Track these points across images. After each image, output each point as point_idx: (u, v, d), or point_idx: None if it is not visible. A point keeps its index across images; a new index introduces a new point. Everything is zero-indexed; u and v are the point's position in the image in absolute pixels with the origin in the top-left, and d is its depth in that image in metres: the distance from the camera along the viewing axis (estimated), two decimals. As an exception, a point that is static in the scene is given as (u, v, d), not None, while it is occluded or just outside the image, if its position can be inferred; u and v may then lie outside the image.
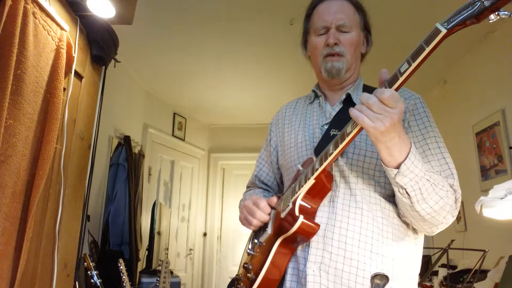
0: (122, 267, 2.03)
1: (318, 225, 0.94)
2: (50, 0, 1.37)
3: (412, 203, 0.88)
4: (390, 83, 0.79)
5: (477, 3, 0.68)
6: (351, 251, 0.93)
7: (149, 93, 4.13)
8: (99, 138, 1.89)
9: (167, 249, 3.80)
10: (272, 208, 1.08)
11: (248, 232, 1.20)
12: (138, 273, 3.13)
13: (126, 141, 3.38)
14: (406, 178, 0.84)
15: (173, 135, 4.50)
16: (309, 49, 1.19)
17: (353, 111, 0.80)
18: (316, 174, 0.92)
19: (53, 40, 1.36)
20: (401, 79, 0.76)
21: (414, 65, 0.74)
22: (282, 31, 2.90)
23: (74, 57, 1.49)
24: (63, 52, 1.39)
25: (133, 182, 3.22)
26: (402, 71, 0.76)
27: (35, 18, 1.24)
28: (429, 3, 2.50)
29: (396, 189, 0.89)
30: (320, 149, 0.99)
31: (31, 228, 1.21)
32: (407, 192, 0.87)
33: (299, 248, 0.99)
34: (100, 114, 1.83)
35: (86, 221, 1.92)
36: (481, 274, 2.30)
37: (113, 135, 3.31)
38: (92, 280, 1.83)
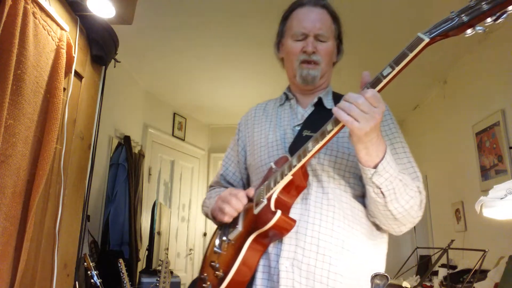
0: (122, 267, 2.04)
1: (295, 221, 0.94)
2: (50, 0, 1.37)
3: (385, 202, 0.91)
4: (373, 85, 0.82)
5: (455, 18, 0.75)
6: (324, 247, 0.94)
7: (149, 93, 4.13)
8: (99, 138, 1.90)
9: (167, 249, 3.80)
10: (249, 199, 1.06)
11: None
12: (138, 273, 3.13)
13: (126, 141, 3.38)
14: (382, 178, 0.88)
15: (173, 135, 4.50)
16: (283, 52, 1.21)
17: (339, 113, 0.81)
18: (294, 170, 0.93)
19: (53, 40, 1.36)
20: (384, 81, 0.80)
21: (397, 69, 0.78)
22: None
23: (74, 57, 1.49)
24: (63, 52, 1.39)
25: (133, 182, 3.22)
26: (385, 74, 0.80)
27: (35, 18, 1.24)
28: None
29: (370, 189, 0.91)
30: (294, 148, 1.02)
31: (31, 228, 1.21)
32: (382, 192, 0.90)
33: (271, 245, 0.99)
34: (100, 114, 1.84)
35: (86, 221, 1.92)
36: (481, 274, 2.30)
37: (113, 135, 3.31)
38: (92, 280, 1.83)
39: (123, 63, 2.87)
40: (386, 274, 0.77)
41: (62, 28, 1.41)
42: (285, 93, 1.24)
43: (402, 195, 0.91)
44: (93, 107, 1.75)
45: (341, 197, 1.01)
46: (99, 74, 1.79)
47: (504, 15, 0.70)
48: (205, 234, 4.89)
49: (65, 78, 1.43)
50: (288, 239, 0.96)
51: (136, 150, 3.55)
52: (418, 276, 3.13)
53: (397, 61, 0.78)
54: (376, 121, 0.80)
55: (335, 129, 0.85)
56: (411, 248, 4.27)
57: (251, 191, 1.06)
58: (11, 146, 1.13)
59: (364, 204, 1.03)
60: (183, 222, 4.57)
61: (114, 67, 1.93)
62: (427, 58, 3.22)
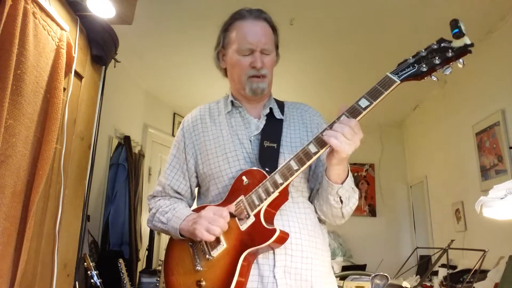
0: (122, 267, 2.04)
1: (288, 234, 1.03)
2: (50, 0, 1.37)
3: (341, 207, 1.09)
4: (352, 114, 0.96)
5: (415, 65, 0.95)
6: (306, 251, 1.08)
7: (149, 93, 4.13)
8: (99, 138, 1.89)
9: (167, 249, 3.79)
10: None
11: None
12: (138, 273, 3.13)
13: (126, 141, 3.38)
14: (344, 190, 1.05)
15: (173, 135, 4.50)
16: (226, 63, 1.25)
17: (330, 140, 0.94)
18: (281, 188, 1.01)
19: (53, 40, 1.36)
20: (364, 113, 0.96)
21: (375, 103, 0.95)
22: (282, 31, 2.89)
23: (74, 57, 1.49)
24: (63, 52, 1.39)
25: (133, 182, 3.22)
26: (363, 106, 0.96)
27: (35, 18, 1.24)
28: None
29: (331, 198, 1.07)
30: (263, 160, 1.11)
31: (31, 228, 1.21)
32: (340, 200, 1.06)
33: (261, 255, 1.06)
34: (100, 114, 1.83)
35: (86, 221, 1.92)
36: (481, 274, 2.31)
37: (113, 135, 3.31)
38: (92, 280, 1.83)
39: (123, 63, 2.87)
40: (386, 274, 0.77)
41: (62, 28, 1.41)
42: (231, 101, 1.25)
43: (352, 199, 1.10)
44: (93, 107, 1.75)
45: (304, 204, 1.15)
46: (99, 74, 1.79)
47: (449, 70, 0.93)
48: (205, 234, 4.88)
49: (65, 78, 1.43)
50: (278, 249, 1.05)
51: (136, 150, 3.55)
52: (418, 276, 3.13)
53: (373, 96, 0.95)
54: (356, 146, 0.95)
55: (321, 151, 0.98)
56: (411, 248, 4.27)
57: (232, 207, 1.06)
58: (11, 146, 1.13)
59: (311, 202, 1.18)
60: (183, 222, 4.57)
61: (114, 67, 1.93)
62: (427, 58, 3.22)
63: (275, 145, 1.14)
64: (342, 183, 1.04)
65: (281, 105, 1.28)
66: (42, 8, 1.28)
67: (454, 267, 2.89)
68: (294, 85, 3.78)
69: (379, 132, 4.81)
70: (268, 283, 1.03)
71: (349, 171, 1.06)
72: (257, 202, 1.02)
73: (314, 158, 0.98)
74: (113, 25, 1.75)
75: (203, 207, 1.12)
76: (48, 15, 1.32)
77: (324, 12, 2.70)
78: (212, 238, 1.03)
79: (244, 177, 1.08)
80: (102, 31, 1.68)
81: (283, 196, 1.04)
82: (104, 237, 3.01)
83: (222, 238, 1.05)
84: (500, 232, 2.50)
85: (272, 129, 1.18)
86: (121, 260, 2.07)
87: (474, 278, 2.22)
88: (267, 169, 1.06)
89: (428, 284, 2.93)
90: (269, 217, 1.04)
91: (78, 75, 1.59)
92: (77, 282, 1.64)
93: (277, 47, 1.27)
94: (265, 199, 1.01)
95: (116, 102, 3.34)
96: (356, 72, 3.56)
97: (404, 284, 2.26)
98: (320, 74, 3.67)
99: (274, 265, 1.04)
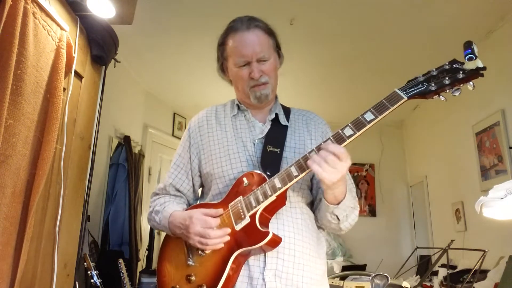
0: (122, 267, 2.04)
1: (281, 239, 1.04)
2: (50, 0, 1.37)
3: (339, 223, 1.10)
4: (357, 127, 0.96)
5: (424, 83, 0.94)
6: (299, 256, 1.08)
7: (149, 93, 4.13)
8: (99, 138, 1.89)
9: (167, 249, 3.79)
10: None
11: None
12: (138, 273, 3.13)
13: (126, 141, 3.38)
14: (340, 210, 1.05)
15: (173, 135, 4.50)
16: (229, 75, 1.27)
17: (313, 166, 0.94)
18: (279, 192, 1.02)
19: (53, 40, 1.36)
20: (368, 126, 0.95)
21: (380, 118, 0.94)
22: (282, 31, 2.88)
23: (74, 57, 1.49)
24: (63, 52, 1.39)
25: (133, 182, 3.22)
26: (368, 119, 0.95)
27: (35, 18, 1.24)
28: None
29: (328, 215, 1.08)
30: (265, 164, 1.12)
31: (31, 228, 1.21)
32: (337, 218, 1.08)
33: (252, 257, 1.06)
34: (100, 114, 1.83)
35: (86, 221, 1.92)
36: (481, 274, 2.31)
37: (113, 135, 3.31)
38: (92, 280, 1.83)
39: (123, 63, 2.87)
40: (386, 274, 0.77)
41: (62, 28, 1.41)
42: (237, 105, 1.28)
43: (351, 216, 1.10)
44: (93, 107, 1.75)
45: (302, 209, 1.15)
46: (99, 74, 1.79)
47: (458, 92, 0.94)
48: (205, 234, 4.88)
49: (65, 78, 1.43)
50: (270, 253, 1.06)
51: (136, 150, 3.55)
52: (418, 276, 3.13)
53: (379, 110, 0.94)
54: (342, 174, 0.94)
55: None
56: (411, 248, 4.27)
57: (220, 211, 1.09)
58: (11, 146, 1.13)
59: (311, 209, 1.19)
60: (183, 222, 4.57)
61: (114, 67, 1.93)
62: (427, 57, 3.22)
63: (278, 150, 1.15)
64: (338, 204, 1.04)
65: (287, 111, 1.29)
66: (42, 8, 1.28)
67: (454, 267, 2.89)
68: (294, 85, 3.78)
69: (379, 132, 4.81)
70: (257, 285, 1.04)
71: (347, 192, 1.05)
72: (254, 204, 1.03)
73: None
74: (113, 25, 1.75)
75: (195, 207, 1.16)
76: (48, 15, 1.32)
77: (324, 12, 2.70)
78: (203, 247, 1.05)
79: (244, 179, 1.09)
80: (102, 31, 1.68)
81: (281, 201, 1.04)
82: (104, 237, 3.01)
83: None
84: (500, 232, 2.50)
85: (277, 135, 1.19)
86: (121, 260, 2.07)
87: (474, 278, 2.22)
88: (268, 173, 1.07)
89: (428, 284, 2.94)
90: (265, 220, 1.05)
91: (78, 75, 1.59)
92: (77, 282, 1.64)
93: (278, 47, 1.26)
94: (262, 201, 1.02)
95: (116, 102, 3.33)
96: (356, 72, 3.56)
97: (404, 284, 2.26)
98: (320, 74, 3.67)
99: (264, 267, 1.05)
